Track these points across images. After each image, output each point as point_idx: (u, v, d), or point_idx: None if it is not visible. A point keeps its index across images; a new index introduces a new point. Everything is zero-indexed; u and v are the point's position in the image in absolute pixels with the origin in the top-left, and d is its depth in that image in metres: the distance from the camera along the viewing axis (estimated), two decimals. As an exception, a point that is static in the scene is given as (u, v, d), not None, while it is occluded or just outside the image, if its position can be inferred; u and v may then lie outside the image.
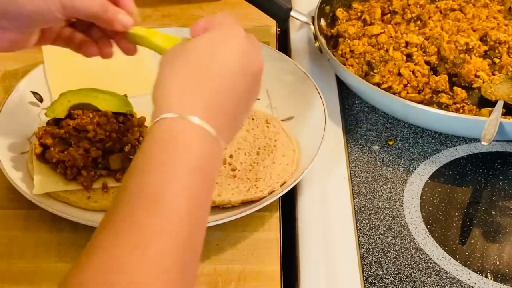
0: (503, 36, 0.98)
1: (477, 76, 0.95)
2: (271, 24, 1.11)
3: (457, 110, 0.90)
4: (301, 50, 1.08)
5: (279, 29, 1.13)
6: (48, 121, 0.83)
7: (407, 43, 0.99)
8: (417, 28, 1.03)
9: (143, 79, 0.85)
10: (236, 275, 0.73)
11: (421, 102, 0.91)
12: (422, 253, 0.76)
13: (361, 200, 0.83)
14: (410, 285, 0.73)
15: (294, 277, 0.76)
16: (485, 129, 0.82)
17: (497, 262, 0.76)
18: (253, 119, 0.88)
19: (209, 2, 1.19)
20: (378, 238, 0.78)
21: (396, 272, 0.74)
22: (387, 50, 0.99)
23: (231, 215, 0.75)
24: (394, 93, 0.92)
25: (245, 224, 0.78)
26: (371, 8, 1.07)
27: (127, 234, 0.48)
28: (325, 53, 0.98)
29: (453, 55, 0.96)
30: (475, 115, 0.89)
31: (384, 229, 0.79)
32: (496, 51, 0.98)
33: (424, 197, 0.83)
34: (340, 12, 1.08)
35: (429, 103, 0.92)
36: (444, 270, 0.75)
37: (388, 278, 0.74)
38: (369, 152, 0.90)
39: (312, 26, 1.03)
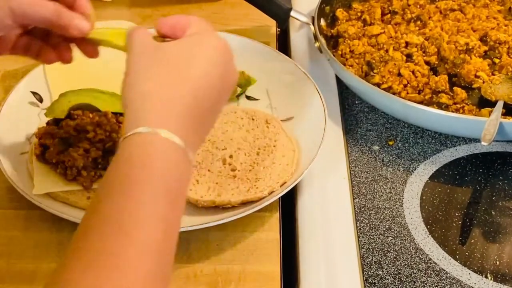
0: (503, 36, 0.98)
1: (477, 76, 0.95)
2: (271, 24, 1.11)
3: (457, 110, 0.90)
4: (301, 50, 1.08)
5: (279, 29, 1.13)
6: (48, 121, 0.83)
7: (407, 43, 0.99)
8: (417, 28, 1.03)
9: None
10: (236, 275, 0.73)
11: (421, 102, 0.91)
12: (422, 253, 0.76)
13: (361, 200, 0.83)
14: (410, 285, 0.73)
15: (294, 277, 0.76)
16: (485, 129, 0.82)
17: (497, 262, 0.76)
18: (253, 119, 0.88)
19: (209, 2, 1.19)
20: (378, 238, 0.78)
21: (396, 272, 0.74)
22: (387, 50, 0.99)
23: (231, 215, 0.75)
24: (394, 93, 0.92)
25: (245, 224, 0.78)
26: (371, 8, 1.07)
27: (98, 265, 0.47)
28: (325, 53, 0.98)
29: (453, 55, 0.96)
30: (475, 115, 0.89)
31: (384, 229, 0.79)
32: (496, 51, 0.98)
33: (424, 197, 0.83)
34: (340, 12, 1.08)
35: (429, 103, 0.92)
36: (444, 270, 0.75)
37: (388, 279, 0.74)
38: (369, 152, 0.90)
39: (312, 26, 1.03)
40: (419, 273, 0.74)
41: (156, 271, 0.48)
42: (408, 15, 1.05)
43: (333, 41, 1.05)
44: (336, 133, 0.92)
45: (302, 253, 0.76)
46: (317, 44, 1.02)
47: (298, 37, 1.10)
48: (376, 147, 0.91)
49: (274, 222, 0.80)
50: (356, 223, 0.80)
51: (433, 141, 0.91)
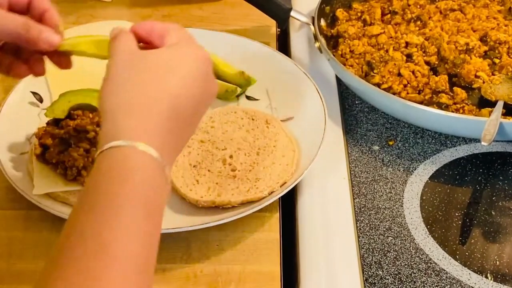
0: (503, 36, 0.98)
1: (477, 77, 0.95)
2: (271, 25, 1.11)
3: (457, 110, 0.90)
4: (301, 50, 1.08)
5: (279, 30, 1.13)
6: (48, 121, 0.83)
7: (407, 44, 0.99)
8: (417, 28, 1.03)
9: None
10: (236, 275, 0.73)
11: (421, 103, 0.91)
12: (422, 253, 0.76)
13: (361, 201, 0.83)
14: (410, 286, 0.73)
15: (294, 277, 0.76)
16: (485, 129, 0.82)
17: (497, 262, 0.76)
18: (253, 119, 0.88)
19: (209, 2, 1.19)
20: (378, 238, 0.78)
21: (396, 272, 0.74)
22: (387, 51, 0.99)
23: (231, 215, 0.75)
24: (394, 94, 0.92)
25: (245, 224, 0.78)
26: (371, 9, 1.07)
27: (76, 283, 0.46)
28: (325, 53, 0.98)
29: (453, 55, 0.96)
30: (475, 115, 0.89)
31: (384, 229, 0.79)
32: (496, 51, 0.98)
33: (424, 198, 0.83)
34: (340, 13, 1.08)
35: (429, 103, 0.92)
36: (444, 270, 0.75)
37: (388, 279, 0.74)
38: (369, 152, 0.90)
39: (312, 26, 1.03)
40: (419, 273, 0.74)
41: (139, 285, 0.48)
42: (408, 15, 1.05)
43: (333, 41, 1.05)
44: (336, 133, 0.92)
45: (302, 253, 0.76)
46: (317, 44, 1.02)
47: (298, 37, 1.10)
48: (376, 147, 0.91)
49: (274, 222, 0.80)
50: (356, 223, 0.80)
51: (433, 141, 0.91)
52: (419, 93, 0.93)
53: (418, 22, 1.04)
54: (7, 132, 0.85)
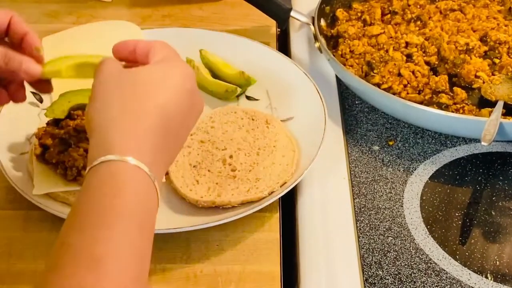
0: (503, 36, 0.98)
1: (477, 77, 0.95)
2: (271, 25, 1.11)
3: (457, 111, 0.90)
4: (301, 50, 1.08)
5: (279, 30, 1.13)
6: (48, 121, 0.83)
7: (407, 44, 0.99)
8: (417, 28, 1.03)
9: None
10: (236, 275, 0.73)
11: (421, 103, 0.91)
12: (422, 253, 0.76)
13: (361, 201, 0.83)
14: (410, 286, 0.73)
15: (294, 277, 0.76)
16: (485, 130, 0.82)
17: (497, 262, 0.76)
18: (253, 119, 0.88)
19: (209, 2, 1.19)
20: (378, 238, 0.78)
21: (396, 272, 0.74)
22: (387, 51, 0.99)
23: (231, 215, 0.75)
24: (394, 94, 0.92)
25: (245, 224, 0.78)
26: (371, 9, 1.07)
27: None
28: (325, 53, 0.98)
29: (453, 55, 0.96)
30: (475, 116, 0.89)
31: (384, 229, 0.79)
32: (496, 51, 0.98)
33: (424, 198, 0.83)
34: (340, 13, 1.08)
35: (429, 103, 0.92)
36: (444, 270, 0.75)
37: (388, 279, 0.74)
38: (369, 152, 0.90)
39: (312, 27, 1.03)
40: (419, 273, 0.74)
41: None
42: (408, 15, 1.05)
43: (333, 41, 1.05)
44: (336, 133, 0.92)
45: (302, 253, 0.76)
46: (317, 44, 1.02)
47: (298, 37, 1.10)
48: (376, 147, 0.91)
49: (274, 222, 0.80)
50: (356, 223, 0.80)
51: (433, 141, 0.91)
52: (419, 93, 0.93)
53: (418, 22, 1.04)
54: (7, 132, 0.85)
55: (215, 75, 0.97)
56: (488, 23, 1.02)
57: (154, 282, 0.72)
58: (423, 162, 0.88)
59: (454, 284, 0.73)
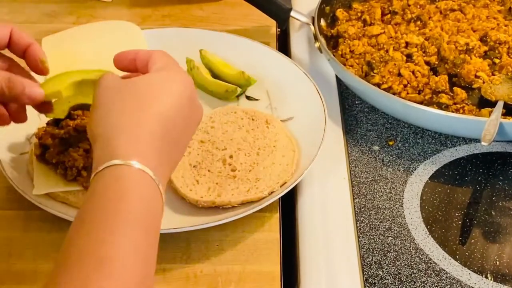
0: (503, 36, 0.98)
1: (477, 77, 0.95)
2: (271, 25, 1.11)
3: (457, 111, 0.90)
4: (301, 50, 1.08)
5: (279, 30, 1.13)
6: (48, 121, 0.83)
7: (407, 44, 0.99)
8: (417, 28, 1.03)
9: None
10: (236, 275, 0.73)
11: (421, 103, 0.91)
12: (422, 253, 0.76)
13: (361, 201, 0.83)
14: (410, 286, 0.73)
15: (294, 277, 0.76)
16: (485, 130, 0.82)
17: (497, 262, 0.76)
18: (253, 119, 0.88)
19: (209, 2, 1.19)
20: (378, 238, 0.78)
21: (396, 272, 0.74)
22: (387, 51, 0.99)
23: (231, 215, 0.75)
24: (394, 94, 0.92)
25: (245, 224, 0.78)
26: (371, 9, 1.07)
27: None
28: (325, 53, 0.98)
29: (453, 55, 0.96)
30: (475, 116, 0.89)
31: (384, 229, 0.79)
32: (496, 51, 0.98)
33: (424, 198, 0.83)
34: (340, 13, 1.08)
35: (429, 103, 0.92)
36: (444, 270, 0.75)
37: (388, 279, 0.74)
38: (369, 152, 0.90)
39: (312, 27, 1.03)
40: (419, 273, 0.74)
41: None
42: (408, 15, 1.05)
43: (333, 41, 1.05)
44: (336, 133, 0.92)
45: (302, 253, 0.76)
46: (317, 44, 1.02)
47: (298, 37, 1.10)
48: (376, 147, 0.91)
49: (274, 222, 0.80)
50: (356, 223, 0.80)
51: (433, 141, 0.91)
52: (419, 93, 0.93)
53: (418, 22, 1.04)
54: (7, 132, 0.84)
55: (215, 75, 0.97)
56: (488, 23, 1.02)
57: (154, 282, 0.72)
58: (423, 162, 0.88)
59: (454, 284, 0.73)
